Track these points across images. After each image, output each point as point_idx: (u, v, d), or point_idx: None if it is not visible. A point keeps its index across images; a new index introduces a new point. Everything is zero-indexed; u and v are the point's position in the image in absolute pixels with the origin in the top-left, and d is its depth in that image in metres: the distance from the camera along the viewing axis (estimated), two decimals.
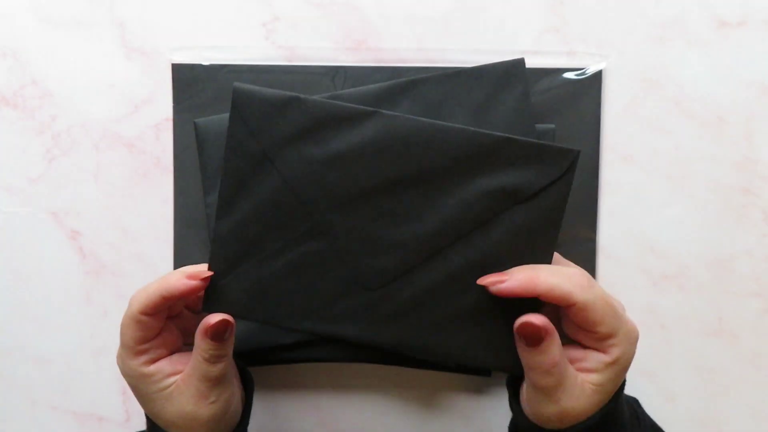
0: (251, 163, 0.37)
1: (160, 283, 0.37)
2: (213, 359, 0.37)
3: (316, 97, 0.37)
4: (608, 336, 0.35)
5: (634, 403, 0.44)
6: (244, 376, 0.44)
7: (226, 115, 0.47)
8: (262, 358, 0.48)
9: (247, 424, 0.43)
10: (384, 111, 0.37)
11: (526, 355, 0.36)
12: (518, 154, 0.36)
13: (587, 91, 0.49)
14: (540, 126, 0.47)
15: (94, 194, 0.50)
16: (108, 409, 0.51)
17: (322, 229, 0.37)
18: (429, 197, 0.36)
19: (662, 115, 0.49)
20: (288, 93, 0.37)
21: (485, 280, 0.36)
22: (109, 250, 0.50)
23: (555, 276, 0.35)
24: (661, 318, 0.50)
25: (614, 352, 0.36)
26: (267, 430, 0.51)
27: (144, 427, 0.43)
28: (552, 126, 0.47)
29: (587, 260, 0.49)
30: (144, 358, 0.38)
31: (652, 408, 0.50)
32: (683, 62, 0.49)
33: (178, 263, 0.49)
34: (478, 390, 0.50)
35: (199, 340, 0.37)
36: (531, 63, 0.48)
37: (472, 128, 0.36)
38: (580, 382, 0.36)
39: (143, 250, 0.50)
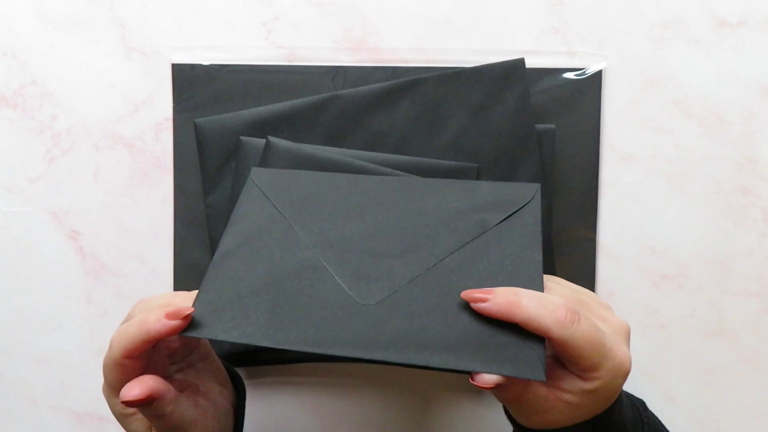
0: (263, 215, 0.41)
1: (140, 326, 0.35)
2: (156, 416, 0.36)
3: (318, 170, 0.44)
4: (589, 369, 0.34)
5: (640, 405, 0.43)
6: (234, 379, 0.43)
7: (226, 116, 0.47)
8: (261, 358, 0.48)
9: (242, 426, 0.43)
10: (374, 176, 0.42)
11: None
12: (487, 193, 0.41)
13: (587, 91, 0.48)
14: (540, 126, 0.47)
15: (94, 194, 0.50)
16: (108, 409, 0.51)
17: (319, 257, 0.38)
18: (416, 231, 0.40)
19: (662, 115, 0.49)
20: (295, 171, 0.43)
21: (469, 295, 0.35)
22: (109, 250, 0.50)
23: (536, 307, 0.34)
24: (661, 318, 0.50)
25: (594, 384, 0.35)
26: (267, 430, 0.51)
27: None
28: (552, 126, 0.47)
29: (587, 260, 0.49)
30: None
31: (652, 408, 0.49)
32: (683, 62, 0.49)
33: (178, 263, 0.49)
34: (478, 390, 0.50)
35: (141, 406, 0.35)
36: (531, 63, 0.48)
37: (448, 180, 0.42)
38: (552, 399, 0.35)
39: (143, 250, 0.50)
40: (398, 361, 0.35)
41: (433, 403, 0.50)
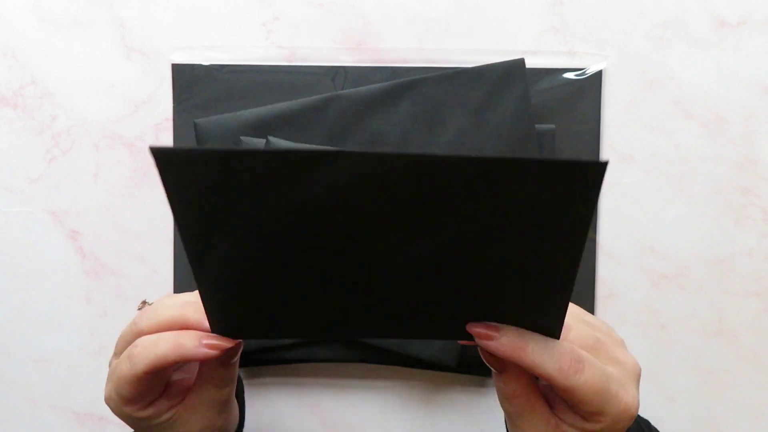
0: (219, 213, 0.30)
1: (174, 348, 0.34)
2: (224, 384, 0.37)
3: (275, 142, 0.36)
4: (592, 414, 0.34)
5: (645, 426, 0.43)
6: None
7: (226, 115, 0.47)
8: (262, 358, 0.48)
9: (243, 425, 0.43)
10: (353, 150, 0.26)
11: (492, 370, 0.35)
12: (528, 175, 0.26)
13: (587, 91, 0.48)
14: (540, 126, 0.47)
15: (94, 194, 0.50)
16: (108, 409, 0.51)
17: (317, 256, 0.31)
18: (427, 230, 0.29)
19: (662, 115, 0.49)
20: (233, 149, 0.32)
21: (474, 329, 0.34)
22: (109, 250, 0.50)
23: (540, 354, 0.33)
24: (661, 318, 0.50)
25: (596, 426, 0.34)
26: (267, 430, 0.51)
27: None
28: (552, 126, 0.47)
29: (587, 260, 0.49)
30: (141, 403, 0.37)
31: (653, 408, 0.50)
32: (683, 62, 0.49)
33: (178, 263, 0.49)
34: (478, 390, 0.50)
35: (210, 369, 0.36)
36: (531, 63, 0.48)
37: (465, 154, 0.25)
38: (553, 426, 0.35)
39: (143, 250, 0.50)
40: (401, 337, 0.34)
41: (433, 403, 0.50)
